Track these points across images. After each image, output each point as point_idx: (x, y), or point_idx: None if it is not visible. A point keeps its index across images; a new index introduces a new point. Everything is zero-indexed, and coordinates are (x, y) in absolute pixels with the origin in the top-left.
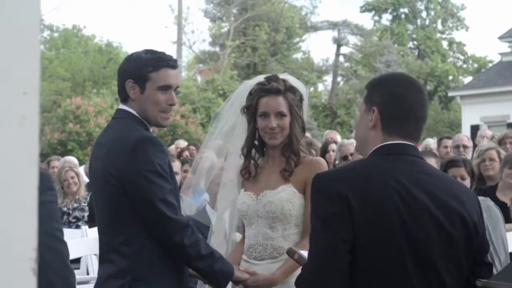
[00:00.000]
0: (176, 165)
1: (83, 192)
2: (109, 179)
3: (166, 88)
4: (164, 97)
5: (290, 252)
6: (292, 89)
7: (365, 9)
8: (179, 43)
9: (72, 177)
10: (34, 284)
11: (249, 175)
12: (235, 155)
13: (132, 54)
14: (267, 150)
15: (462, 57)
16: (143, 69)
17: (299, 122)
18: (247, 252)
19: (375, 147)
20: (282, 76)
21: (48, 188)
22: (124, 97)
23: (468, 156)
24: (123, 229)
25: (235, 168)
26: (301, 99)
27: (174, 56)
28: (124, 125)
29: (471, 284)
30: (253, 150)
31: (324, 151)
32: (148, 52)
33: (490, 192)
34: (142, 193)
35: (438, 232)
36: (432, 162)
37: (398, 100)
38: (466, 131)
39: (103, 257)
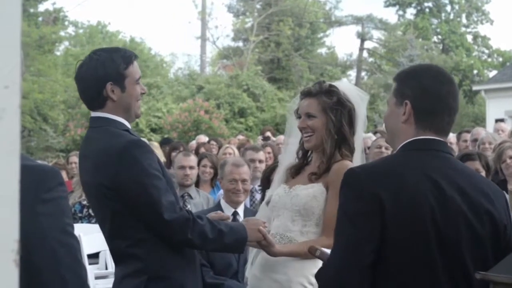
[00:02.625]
0: (192, 160)
1: None
2: (103, 191)
3: (139, 79)
4: (139, 88)
5: (312, 249)
6: (328, 93)
7: (389, 3)
8: (203, 38)
9: None
10: (16, 275)
11: (295, 173)
12: (288, 154)
13: (92, 60)
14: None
15: (486, 51)
16: (118, 68)
17: (330, 125)
18: None
19: (406, 141)
20: (336, 83)
21: (59, 183)
22: (100, 103)
23: (488, 151)
24: (130, 234)
25: (284, 166)
26: (340, 102)
27: (198, 52)
28: (104, 134)
29: None
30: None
31: None
32: (106, 51)
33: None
34: (139, 199)
35: (469, 232)
36: None
37: (432, 94)
38: (490, 125)
39: (117, 259)
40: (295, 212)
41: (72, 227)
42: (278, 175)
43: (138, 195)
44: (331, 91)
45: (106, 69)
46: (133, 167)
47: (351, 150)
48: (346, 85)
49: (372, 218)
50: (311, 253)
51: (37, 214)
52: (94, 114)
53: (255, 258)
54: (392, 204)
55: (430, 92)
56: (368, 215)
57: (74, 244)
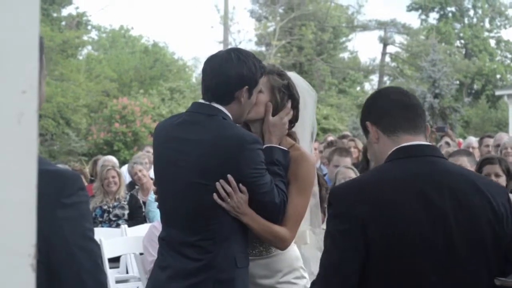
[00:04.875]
0: None
1: (123, 193)
2: (212, 174)
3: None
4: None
5: None
6: (280, 74)
7: (412, 8)
8: (225, 43)
9: (113, 177)
10: (33, 279)
11: None
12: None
13: (240, 60)
14: None
15: (510, 56)
16: (257, 76)
17: (273, 105)
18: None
19: (388, 154)
20: (287, 72)
21: (80, 188)
22: (227, 100)
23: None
24: (207, 228)
25: None
26: (289, 88)
27: None
28: (221, 122)
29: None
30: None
31: (365, 151)
32: (249, 55)
33: None
34: (255, 188)
35: (463, 240)
36: (465, 161)
37: (380, 100)
38: None
39: (179, 251)
40: None
41: (93, 232)
42: None
43: (256, 182)
44: (283, 75)
45: (250, 73)
46: (254, 159)
47: (293, 138)
48: (296, 78)
49: (353, 237)
50: None
51: (58, 219)
52: (214, 104)
53: None
54: (373, 221)
55: (378, 100)
56: (349, 234)
57: (94, 248)
